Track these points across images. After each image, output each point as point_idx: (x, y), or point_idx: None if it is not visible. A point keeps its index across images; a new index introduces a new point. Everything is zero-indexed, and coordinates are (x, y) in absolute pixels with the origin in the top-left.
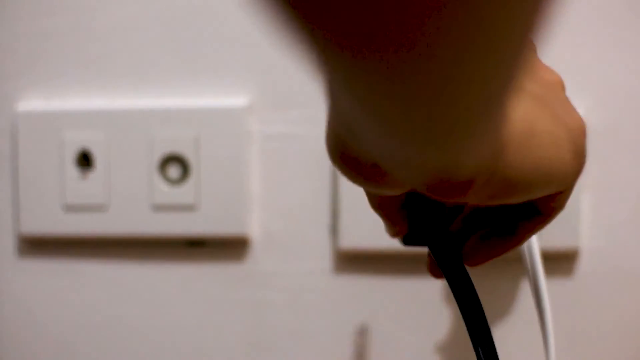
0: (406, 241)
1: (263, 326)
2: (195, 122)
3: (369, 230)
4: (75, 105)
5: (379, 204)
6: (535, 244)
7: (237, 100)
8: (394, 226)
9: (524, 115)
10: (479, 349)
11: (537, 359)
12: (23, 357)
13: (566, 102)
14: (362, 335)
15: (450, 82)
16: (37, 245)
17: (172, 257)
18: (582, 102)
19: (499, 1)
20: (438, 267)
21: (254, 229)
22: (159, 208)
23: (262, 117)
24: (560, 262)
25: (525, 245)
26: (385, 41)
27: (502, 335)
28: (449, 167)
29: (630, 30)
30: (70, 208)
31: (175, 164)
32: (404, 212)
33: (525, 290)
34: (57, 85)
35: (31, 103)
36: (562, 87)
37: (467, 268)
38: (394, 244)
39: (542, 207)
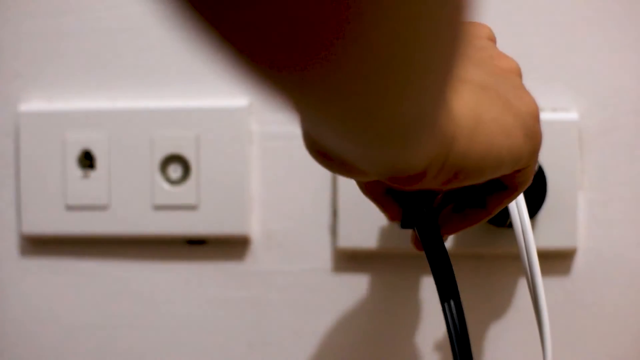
0: (403, 225)
1: (263, 325)
2: (195, 122)
3: (368, 230)
4: (77, 105)
5: (366, 189)
6: (533, 243)
7: (237, 100)
8: (385, 210)
9: (471, 108)
10: (446, 305)
11: (534, 357)
12: (26, 355)
13: (519, 87)
14: (361, 336)
15: (377, 93)
16: (39, 245)
17: (172, 256)
18: (577, 103)
19: (403, 16)
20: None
21: (254, 229)
22: (160, 207)
23: (262, 117)
24: (557, 260)
25: (522, 244)
26: (299, 57)
27: (499, 334)
28: (401, 163)
29: (626, 31)
30: (72, 207)
31: (176, 164)
32: (389, 196)
33: (522, 289)
34: (59, 85)
35: (33, 103)
36: (517, 73)
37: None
38: (394, 244)
39: (507, 183)
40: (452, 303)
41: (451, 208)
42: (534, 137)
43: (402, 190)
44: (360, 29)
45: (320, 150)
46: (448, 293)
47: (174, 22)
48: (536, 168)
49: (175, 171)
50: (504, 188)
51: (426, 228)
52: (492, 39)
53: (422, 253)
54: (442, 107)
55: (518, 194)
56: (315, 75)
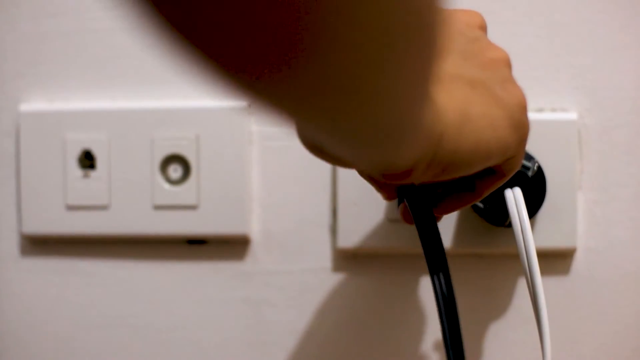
0: (398, 194)
1: (263, 325)
2: (195, 123)
3: (368, 230)
4: (77, 105)
5: (360, 171)
6: (532, 243)
7: (237, 100)
8: (381, 190)
9: (459, 104)
10: (435, 278)
11: (534, 356)
12: (26, 356)
13: (508, 80)
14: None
15: (347, 96)
16: (40, 245)
17: (173, 256)
18: (578, 103)
19: (364, 29)
20: (410, 214)
21: (254, 229)
22: (160, 207)
23: (262, 117)
24: (557, 260)
25: (521, 244)
26: (264, 64)
27: (499, 333)
28: (388, 162)
29: (626, 31)
30: (73, 207)
31: (176, 164)
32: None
33: (521, 289)
34: (59, 86)
35: (34, 103)
36: (507, 64)
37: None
38: (394, 244)
39: (496, 169)
40: (441, 276)
41: (441, 190)
42: (520, 127)
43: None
44: (320, 38)
45: (316, 146)
46: (437, 266)
47: (150, 36)
48: (535, 169)
49: (175, 171)
50: (492, 173)
51: (418, 201)
52: (484, 28)
53: (422, 253)
54: (426, 107)
55: (507, 179)
56: (284, 80)
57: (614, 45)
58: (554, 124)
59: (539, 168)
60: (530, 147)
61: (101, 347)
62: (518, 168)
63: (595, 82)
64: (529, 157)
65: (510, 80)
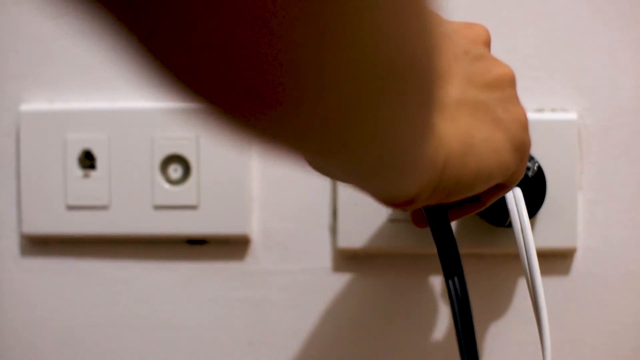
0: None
1: (263, 325)
2: (196, 123)
3: (368, 230)
4: (77, 106)
5: None
6: (532, 243)
7: None
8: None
9: (463, 132)
10: (450, 282)
11: (534, 356)
12: (26, 355)
13: (510, 99)
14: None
15: (339, 135)
16: (40, 245)
17: (173, 256)
18: (577, 103)
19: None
20: (420, 217)
21: (254, 229)
22: (160, 207)
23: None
24: (557, 260)
25: (521, 244)
26: (256, 105)
27: (499, 333)
28: (393, 193)
29: (626, 31)
30: (73, 207)
31: (176, 164)
32: None
33: (521, 289)
34: (60, 85)
35: (34, 103)
36: (511, 82)
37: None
38: (394, 244)
39: (499, 183)
40: (456, 280)
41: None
42: (522, 147)
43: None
44: (305, 85)
45: (322, 174)
46: (452, 270)
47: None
48: (535, 169)
49: (175, 171)
50: (495, 185)
51: (434, 207)
52: (488, 43)
53: (422, 253)
54: (428, 140)
55: (509, 190)
56: (277, 121)
57: (614, 45)
58: (553, 124)
59: (539, 168)
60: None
61: (101, 346)
62: (520, 179)
63: (595, 82)
64: (529, 157)
65: (512, 100)
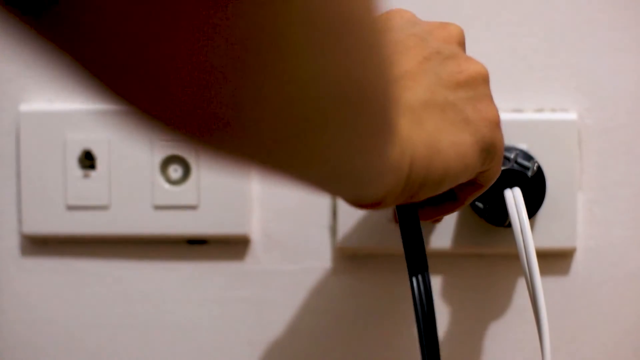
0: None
1: (263, 325)
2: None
3: (368, 230)
4: (77, 106)
5: None
6: (531, 243)
7: None
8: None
9: (429, 135)
10: (414, 279)
11: (533, 356)
12: (26, 356)
13: (482, 97)
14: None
15: (292, 148)
16: (40, 245)
17: (173, 256)
18: (578, 103)
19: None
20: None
21: (254, 229)
22: (161, 207)
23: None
24: (556, 260)
25: (521, 244)
26: (203, 124)
27: (498, 333)
28: (359, 196)
29: (626, 31)
30: (73, 207)
31: (176, 164)
32: None
33: (521, 289)
34: (60, 86)
35: (34, 103)
36: (483, 80)
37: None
38: (393, 244)
39: (473, 181)
40: (419, 278)
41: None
42: (491, 147)
43: None
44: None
45: None
46: (417, 267)
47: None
48: (535, 169)
49: (175, 171)
50: (471, 184)
51: (404, 205)
52: (462, 42)
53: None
54: (390, 148)
55: (486, 188)
56: (217, 139)
57: (614, 45)
58: (553, 124)
59: (539, 168)
60: (530, 147)
61: (101, 346)
62: (496, 178)
63: (595, 82)
64: (529, 157)
65: (484, 99)
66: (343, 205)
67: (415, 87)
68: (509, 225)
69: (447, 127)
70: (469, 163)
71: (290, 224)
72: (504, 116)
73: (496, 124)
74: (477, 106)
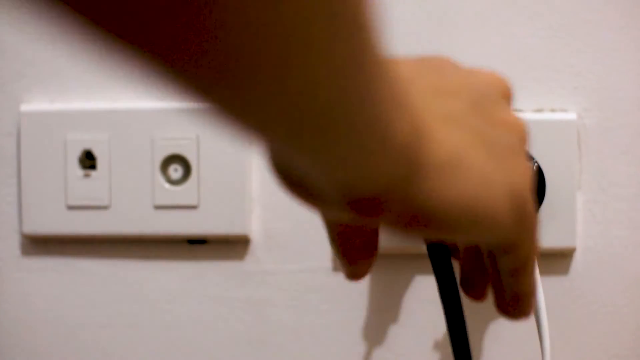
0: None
1: (263, 324)
2: (196, 122)
3: None
4: (78, 106)
5: (330, 234)
6: None
7: None
8: (344, 260)
9: (454, 147)
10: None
11: (533, 356)
12: (26, 355)
13: (518, 150)
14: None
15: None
16: (41, 244)
17: (173, 256)
18: (577, 103)
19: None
20: (357, 250)
21: (254, 229)
22: (161, 207)
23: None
24: (556, 260)
25: None
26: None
27: (498, 333)
28: (355, 180)
29: (626, 32)
30: (73, 207)
31: (176, 164)
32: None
33: None
34: (60, 86)
35: (35, 104)
36: (521, 133)
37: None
38: (393, 244)
39: (509, 252)
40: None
41: (477, 268)
42: (523, 214)
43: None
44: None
45: (285, 175)
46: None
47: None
48: (535, 168)
49: (175, 171)
50: (506, 254)
51: (438, 252)
52: (507, 97)
53: (423, 253)
54: (397, 121)
55: (527, 273)
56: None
57: (614, 45)
58: (553, 124)
59: (538, 168)
60: (530, 147)
61: (101, 346)
62: (533, 260)
63: (595, 82)
64: (529, 157)
65: (521, 152)
66: None
67: (454, 101)
68: None
69: (474, 150)
70: (493, 205)
71: (290, 224)
72: None
73: (528, 183)
74: (513, 155)
